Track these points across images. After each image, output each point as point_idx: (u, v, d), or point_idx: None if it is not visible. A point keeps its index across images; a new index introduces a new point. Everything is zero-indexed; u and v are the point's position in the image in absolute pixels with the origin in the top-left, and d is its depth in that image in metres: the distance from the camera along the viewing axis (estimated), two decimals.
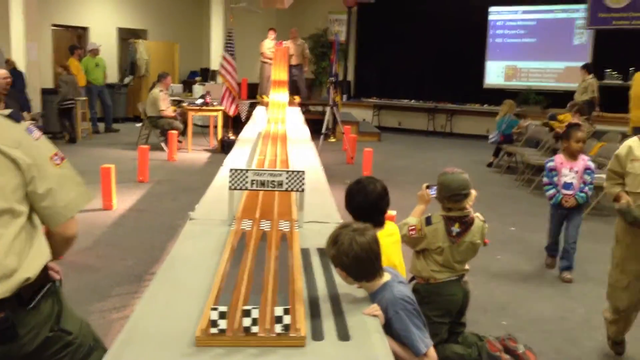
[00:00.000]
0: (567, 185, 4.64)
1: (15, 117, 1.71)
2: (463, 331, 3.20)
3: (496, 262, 4.95)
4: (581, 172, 4.64)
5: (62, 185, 1.73)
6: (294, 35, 12.72)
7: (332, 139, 11.66)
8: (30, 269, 1.66)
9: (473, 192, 3.06)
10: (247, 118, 11.34)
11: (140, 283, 4.20)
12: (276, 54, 11.44)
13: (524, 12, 13.71)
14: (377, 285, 2.01)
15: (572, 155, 4.68)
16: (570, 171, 4.65)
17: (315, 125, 10.44)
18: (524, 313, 4.00)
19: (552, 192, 4.69)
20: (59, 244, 1.80)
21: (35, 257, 1.69)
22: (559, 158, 4.76)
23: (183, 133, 10.46)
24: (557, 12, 13.32)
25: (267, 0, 11.64)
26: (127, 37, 14.32)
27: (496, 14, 13.93)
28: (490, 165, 9.87)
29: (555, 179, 4.68)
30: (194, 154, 10.15)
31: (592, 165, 4.72)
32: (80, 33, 13.67)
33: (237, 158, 5.05)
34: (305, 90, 13.42)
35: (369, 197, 2.59)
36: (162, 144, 10.04)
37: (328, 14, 15.33)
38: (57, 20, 12.80)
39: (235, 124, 11.27)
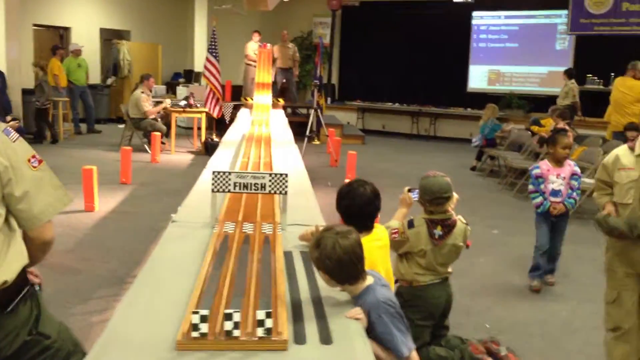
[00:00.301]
0: (555, 193, 4.51)
1: (20, 130, 1.70)
2: (446, 334, 3.22)
3: (479, 265, 4.97)
4: (568, 177, 4.55)
5: (39, 188, 1.71)
6: (284, 39, 12.70)
7: (316, 142, 11.65)
8: (7, 272, 1.64)
9: (455, 196, 3.07)
10: (231, 120, 11.31)
11: (122, 286, 4.16)
12: (260, 56, 11.42)
13: (507, 17, 13.83)
14: (360, 288, 2.00)
15: (558, 161, 4.58)
16: (557, 177, 4.54)
17: (300, 128, 10.44)
18: (507, 316, 4.03)
19: (539, 200, 4.53)
20: (35, 248, 1.78)
21: (13, 260, 1.67)
22: (545, 164, 4.63)
23: (166, 135, 10.40)
24: (540, 18, 13.46)
25: (250, 1, 11.59)
26: (110, 37, 14.19)
27: (479, 18, 14.04)
28: (473, 169, 9.94)
29: (542, 186, 4.54)
30: (178, 155, 10.09)
31: (578, 170, 4.66)
32: (62, 33, 13.53)
33: (220, 160, 5.03)
34: (295, 93, 13.43)
35: (358, 200, 2.56)
36: (145, 146, 9.97)
37: (313, 17, 15.35)
38: (39, 20, 12.65)
39: (219, 126, 11.23)
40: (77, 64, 11.74)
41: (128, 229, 5.67)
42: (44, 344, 1.82)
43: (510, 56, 13.81)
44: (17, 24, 10.58)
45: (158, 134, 9.59)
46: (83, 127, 12.02)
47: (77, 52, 11.83)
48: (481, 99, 13.15)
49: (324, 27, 15.18)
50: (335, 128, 11.74)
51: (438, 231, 2.99)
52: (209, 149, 10.25)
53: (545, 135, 4.82)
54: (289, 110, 12.51)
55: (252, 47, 12.23)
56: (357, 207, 2.60)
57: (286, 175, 2.84)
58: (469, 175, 9.52)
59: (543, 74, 13.46)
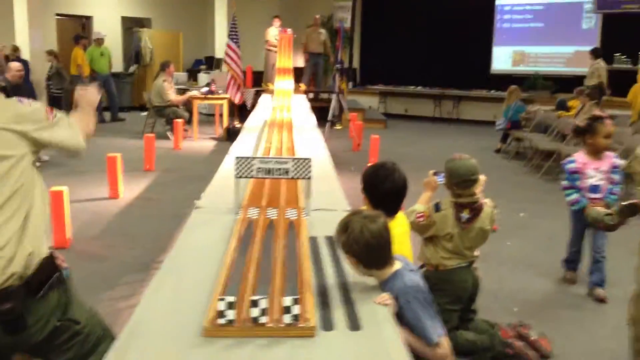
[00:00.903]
0: (594, 188, 3.92)
1: (5, 93, 1.79)
2: (474, 318, 3.18)
3: (506, 248, 4.90)
4: (608, 171, 3.94)
5: (64, 129, 1.87)
6: (317, 23, 12.58)
7: (339, 127, 11.59)
8: (31, 244, 1.68)
9: (482, 178, 3.01)
10: (253, 106, 11.30)
11: (148, 272, 4.17)
12: (281, 42, 11.36)
13: None
14: (387, 273, 1.97)
15: (597, 153, 3.97)
16: (596, 172, 3.94)
17: (322, 113, 10.38)
18: (535, 299, 3.96)
19: (575, 197, 3.93)
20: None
21: (34, 233, 1.71)
22: (581, 157, 4.02)
23: (189, 122, 10.43)
24: None
25: None
26: (131, 25, 14.25)
27: None
28: (498, 151, 9.79)
29: (578, 182, 3.94)
30: (200, 142, 10.12)
31: (619, 162, 3.98)
32: (84, 22, 13.61)
33: (243, 146, 5.02)
34: (321, 78, 13.36)
35: (388, 184, 2.51)
36: (168, 133, 10.01)
37: (333, 1, 15.19)
38: (61, 9, 12.74)
39: (241, 112, 11.23)
40: (100, 52, 11.80)
41: (152, 216, 5.70)
42: (74, 329, 1.83)
43: (536, 36, 13.53)
44: (40, 14, 10.67)
45: (180, 121, 9.62)
46: (106, 115, 12.11)
47: (100, 41, 11.88)
48: (505, 81, 12.93)
49: (344, 10, 15.01)
50: (357, 112, 11.65)
51: (465, 214, 2.94)
52: (231, 135, 10.24)
53: (581, 124, 4.12)
54: (311, 95, 12.45)
55: (273, 32, 12.16)
56: (386, 190, 2.55)
57: (309, 160, 2.81)
58: (494, 157, 9.39)
59: (569, 53, 13.17)
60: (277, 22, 12.16)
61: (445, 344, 1.91)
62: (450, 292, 2.98)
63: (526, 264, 4.63)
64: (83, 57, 11.30)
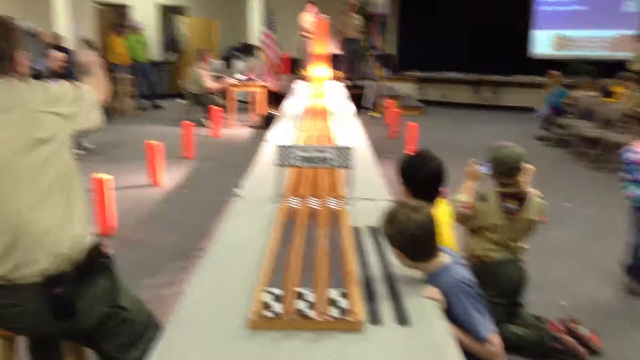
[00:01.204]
0: None
1: (36, 78, 1.82)
2: (521, 312, 3.09)
3: (550, 238, 4.76)
4: None
5: (88, 95, 1.91)
6: (352, 8, 12.44)
7: (374, 114, 11.47)
8: (78, 226, 1.71)
9: (530, 167, 2.92)
10: (288, 93, 11.28)
11: (188, 259, 4.20)
12: (316, 29, 11.27)
13: None
14: (434, 266, 1.91)
15: None
16: None
17: (358, 100, 10.29)
18: (584, 292, 3.84)
19: (634, 191, 3.62)
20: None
21: (79, 215, 1.74)
22: None
23: (225, 109, 10.46)
24: None
25: None
26: (168, 14, 14.33)
27: None
28: (540, 138, 9.55)
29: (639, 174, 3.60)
30: (237, 129, 10.15)
31: None
32: (122, 11, 13.74)
33: (280, 134, 4.99)
34: (358, 64, 13.23)
35: (427, 171, 2.44)
36: (205, 120, 10.06)
37: None
38: None
39: (277, 99, 11.21)
40: (138, 40, 11.90)
41: (192, 203, 5.73)
42: (122, 316, 1.84)
43: (577, 20, 13.12)
44: (79, 2, 10.80)
45: (218, 108, 9.66)
46: (146, 103, 12.24)
47: (138, 29, 11.97)
48: (546, 66, 12.60)
49: None
50: (393, 99, 11.52)
51: (511, 205, 2.85)
52: (267, 122, 10.25)
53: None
54: (348, 81, 12.35)
55: (307, 19, 12.06)
56: (424, 177, 2.49)
57: (350, 148, 2.76)
58: (536, 145, 9.16)
59: (610, 37, 12.74)
60: (311, 8, 12.05)
61: (496, 340, 1.85)
62: (496, 285, 2.90)
63: (572, 255, 4.50)
64: (122, 45, 11.41)
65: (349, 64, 12.81)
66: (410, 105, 12.56)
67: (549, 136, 9.60)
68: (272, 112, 10.43)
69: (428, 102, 13.70)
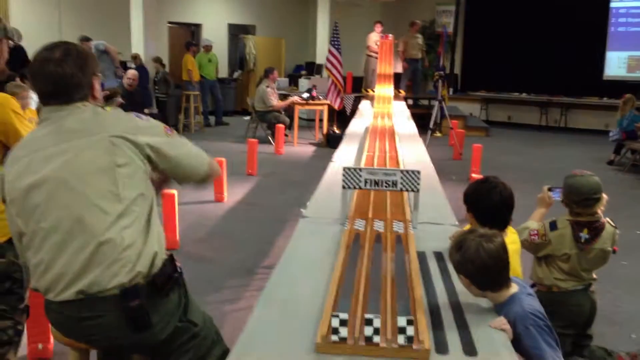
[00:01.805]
0: None
1: (124, 109, 1.88)
2: (589, 344, 2.98)
3: (621, 268, 4.58)
4: None
5: (182, 146, 1.92)
6: (416, 28, 12.50)
7: (438, 134, 11.37)
8: (155, 244, 1.76)
9: (604, 196, 2.83)
10: (352, 112, 11.33)
11: (252, 276, 4.28)
12: (382, 48, 11.32)
13: None
14: (503, 296, 1.88)
15: None
16: None
17: (421, 120, 10.23)
18: None
19: None
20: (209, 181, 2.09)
21: (156, 235, 1.80)
22: None
23: (289, 127, 10.61)
24: None
25: None
26: (237, 32, 14.73)
27: (618, 1, 12.97)
28: (610, 163, 9.22)
29: None
30: (300, 147, 10.27)
31: None
32: (194, 29, 14.22)
33: (345, 153, 5.01)
34: (420, 84, 13.24)
35: (495, 199, 2.40)
36: (269, 137, 10.23)
37: (435, 5, 14.97)
38: (173, 17, 13.39)
39: (340, 117, 11.29)
40: (208, 59, 12.25)
41: (255, 220, 5.83)
42: (193, 331, 1.88)
43: None
44: (155, 22, 11.27)
45: (282, 125, 9.81)
46: (211, 119, 12.58)
47: (208, 48, 12.34)
48: (619, 88, 12.17)
49: (447, 15, 14.75)
50: (457, 120, 11.39)
51: (585, 234, 2.77)
52: (331, 140, 10.34)
53: None
54: (410, 101, 12.32)
55: (374, 38, 12.13)
56: (493, 203, 2.45)
57: (418, 172, 2.75)
58: (606, 170, 8.84)
59: None
60: (378, 28, 12.12)
61: None
62: (564, 316, 2.81)
63: None
64: (193, 63, 11.78)
65: (411, 84, 12.79)
66: (474, 126, 12.39)
67: (620, 161, 9.25)
68: (335, 131, 10.52)
69: (493, 123, 13.48)
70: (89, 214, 1.68)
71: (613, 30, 13.12)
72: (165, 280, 1.77)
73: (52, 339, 3.18)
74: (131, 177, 1.74)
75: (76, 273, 1.68)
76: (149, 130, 1.83)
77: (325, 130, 10.76)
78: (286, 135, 10.31)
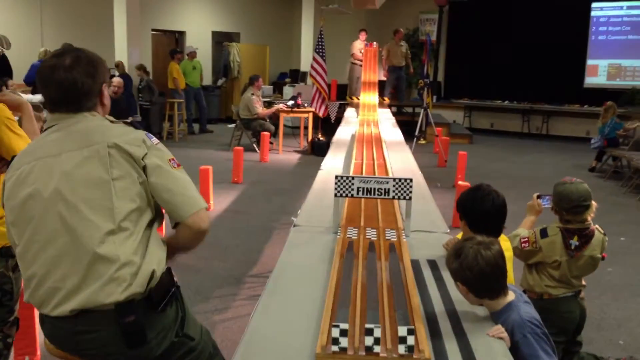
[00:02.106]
0: None
1: (135, 126, 1.81)
2: (579, 351, 3.00)
3: (607, 275, 4.64)
4: None
5: (182, 182, 1.78)
6: (399, 37, 12.59)
7: (422, 142, 11.43)
8: (152, 262, 1.70)
9: (594, 204, 2.86)
10: (337, 119, 11.34)
11: (240, 285, 4.25)
12: (366, 55, 11.36)
13: (629, 7, 12.89)
14: (500, 304, 1.89)
15: None
16: None
17: (405, 127, 10.28)
18: None
19: None
20: (191, 236, 1.81)
21: (155, 252, 1.73)
22: None
23: (274, 134, 10.59)
24: None
25: (357, 1, 11.55)
26: (221, 40, 14.70)
27: (599, 10, 13.18)
28: (592, 170, 9.33)
29: None
30: (285, 155, 10.26)
31: None
32: (178, 37, 14.17)
33: (332, 161, 5.02)
34: (404, 92, 13.32)
35: (488, 206, 2.41)
36: (254, 145, 10.21)
37: (419, 14, 15.08)
38: (156, 25, 13.33)
39: (325, 125, 11.30)
40: (192, 66, 12.21)
41: (242, 228, 5.79)
42: (189, 346, 1.85)
43: (633, 49, 12.85)
44: (138, 30, 11.20)
45: (267, 133, 9.79)
46: (195, 127, 12.52)
47: (193, 55, 12.30)
48: (599, 95, 12.38)
49: (431, 23, 14.87)
50: (441, 127, 11.46)
51: (574, 241, 2.79)
52: (316, 148, 10.35)
53: None
54: (394, 108, 12.38)
55: (358, 46, 12.18)
56: (486, 211, 2.46)
57: (411, 180, 2.76)
58: (588, 177, 8.95)
59: None
60: (363, 36, 12.18)
61: None
62: (555, 323, 2.82)
63: (630, 292, 4.36)
64: (179, 71, 11.72)
65: (393, 91, 12.86)
66: (458, 133, 12.48)
67: (602, 168, 9.38)
68: (320, 139, 10.53)
69: (476, 130, 13.60)
70: (83, 228, 1.64)
71: (594, 39, 13.33)
72: (162, 295, 1.73)
73: (39, 352, 3.13)
74: (126, 190, 1.68)
75: (70, 290, 1.64)
76: (152, 150, 1.75)
77: (310, 137, 10.76)
78: (271, 143, 10.29)
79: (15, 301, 2.49)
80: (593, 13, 13.22)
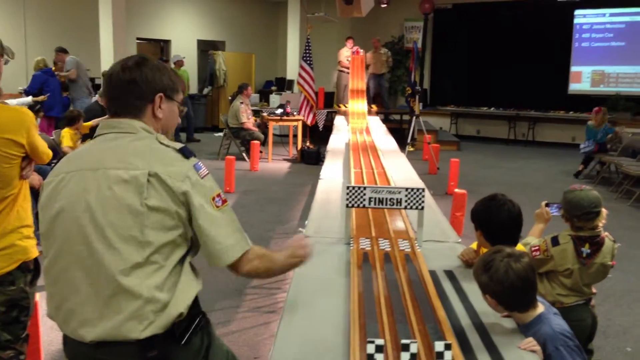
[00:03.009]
0: None
1: (186, 153, 1.65)
2: (591, 359, 2.99)
3: (608, 281, 4.60)
4: None
5: (220, 226, 1.64)
6: (376, 45, 12.63)
7: (411, 149, 11.45)
8: (181, 304, 1.59)
9: (604, 210, 2.86)
10: (325, 127, 11.33)
11: (242, 297, 4.19)
12: (353, 63, 11.38)
13: (612, 14, 13.07)
14: (530, 316, 1.86)
15: None
16: None
17: (393, 134, 10.28)
18: None
19: None
20: (241, 275, 1.75)
21: (185, 290, 1.61)
22: None
23: (263, 143, 10.54)
24: None
25: (344, 9, 11.56)
26: (206, 48, 14.63)
27: (582, 17, 13.35)
28: (577, 175, 9.36)
29: None
30: (275, 163, 10.20)
31: None
32: (163, 45, 14.08)
33: (331, 170, 4.99)
34: (386, 99, 13.34)
35: (504, 216, 2.39)
36: (244, 154, 10.14)
37: (404, 21, 15.16)
38: (142, 33, 13.23)
39: (313, 133, 11.28)
40: (179, 74, 12.10)
41: None
42: None
43: (616, 56, 13.03)
44: (123, 39, 11.09)
45: (257, 142, 9.73)
46: (182, 136, 12.41)
47: (180, 64, 12.20)
48: (584, 102, 12.52)
49: (416, 31, 14.95)
50: (430, 134, 11.49)
51: (586, 249, 2.78)
52: (305, 156, 10.32)
53: None
54: (382, 116, 12.40)
55: (345, 53, 12.21)
56: (503, 221, 2.43)
57: (423, 190, 2.74)
58: (575, 182, 9.00)
59: None
60: (350, 43, 12.20)
61: None
62: None
63: (633, 298, 4.38)
64: (182, 91, 11.59)
65: (375, 99, 12.88)
66: (446, 140, 12.53)
67: (589, 173, 9.45)
68: (309, 147, 10.50)
69: (463, 137, 13.66)
70: (109, 256, 1.54)
71: (577, 46, 13.49)
72: (186, 328, 1.63)
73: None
74: (162, 222, 1.56)
75: (88, 318, 1.55)
76: (196, 187, 1.60)
77: (299, 146, 10.72)
78: (260, 151, 10.24)
79: (30, 317, 2.42)
80: (576, 20, 13.38)
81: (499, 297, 1.84)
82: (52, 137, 6.86)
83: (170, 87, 1.72)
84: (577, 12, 13.30)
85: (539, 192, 7.37)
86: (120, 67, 1.68)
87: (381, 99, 13.12)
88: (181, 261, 1.63)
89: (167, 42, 13.97)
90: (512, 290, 1.80)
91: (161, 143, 1.66)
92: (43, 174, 5.21)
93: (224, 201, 1.67)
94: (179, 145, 1.68)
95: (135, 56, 1.72)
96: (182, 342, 1.61)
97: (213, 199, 1.64)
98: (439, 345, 1.57)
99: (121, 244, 1.54)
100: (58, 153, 5.77)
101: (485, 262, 1.86)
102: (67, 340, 1.65)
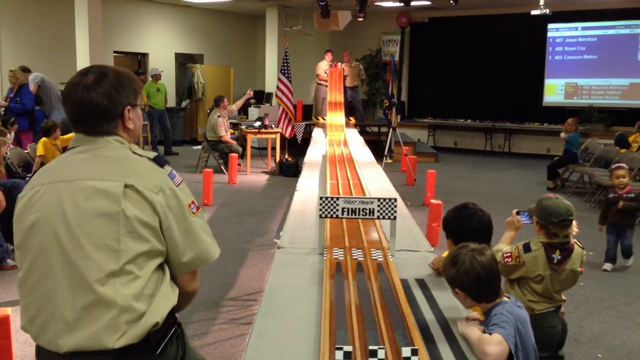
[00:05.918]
0: None
1: (160, 162, 1.66)
2: None
3: (580, 289, 4.72)
4: None
5: (194, 234, 1.67)
6: (348, 58, 12.74)
7: (389, 160, 11.54)
8: (157, 314, 1.59)
9: (574, 221, 2.92)
10: (303, 140, 11.38)
11: (218, 309, 4.18)
12: (331, 76, 11.48)
13: (584, 28, 13.34)
14: (494, 304, 1.96)
15: None
16: None
17: (370, 146, 10.36)
18: (619, 345, 3.78)
19: None
20: (180, 297, 1.70)
21: (163, 300, 1.62)
22: None
23: (241, 156, 10.53)
24: (620, 28, 12.91)
25: (321, 23, 11.68)
26: (184, 61, 14.61)
27: (555, 31, 13.60)
28: (552, 188, 9.42)
29: None
30: (253, 176, 10.21)
31: None
32: (140, 59, 14.04)
33: (307, 182, 5.01)
34: (361, 111, 13.41)
35: (474, 224, 2.45)
36: (222, 167, 10.13)
37: (381, 35, 15.31)
38: (119, 47, 13.18)
39: (291, 145, 11.31)
40: (157, 88, 12.09)
41: None
42: None
43: (589, 68, 13.30)
44: (100, 52, 11.04)
45: (235, 155, 9.73)
46: (160, 149, 12.36)
47: (158, 77, 12.18)
48: (558, 113, 12.73)
49: (393, 44, 15.11)
50: (407, 146, 11.60)
51: (557, 255, 2.83)
52: (284, 169, 10.33)
53: None
54: (359, 128, 12.47)
55: (323, 66, 12.29)
56: (473, 229, 2.49)
57: (395, 200, 2.77)
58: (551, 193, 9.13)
59: (624, 86, 12.88)
60: (329, 56, 12.29)
61: (501, 344, 1.80)
62: (538, 339, 2.79)
63: (604, 306, 4.45)
64: (142, 92, 11.58)
65: (351, 111, 12.94)
66: (424, 152, 12.64)
67: (564, 183, 9.59)
68: (288, 159, 10.52)
69: (440, 149, 13.79)
70: (85, 266, 1.54)
71: (551, 59, 13.73)
72: (161, 338, 1.63)
73: None
74: (138, 232, 1.57)
75: (63, 329, 1.55)
76: (170, 199, 1.62)
77: (277, 158, 10.74)
78: (239, 164, 10.23)
79: None
80: (549, 34, 13.63)
81: (466, 289, 1.94)
82: (26, 151, 6.80)
83: (134, 95, 1.71)
84: (550, 25, 13.54)
85: (514, 202, 7.47)
86: (81, 86, 1.64)
87: (356, 111, 13.21)
88: (160, 272, 1.64)
89: (144, 56, 13.93)
90: (478, 280, 1.91)
91: (135, 153, 1.67)
92: (18, 187, 5.17)
93: (198, 208, 1.71)
94: (152, 154, 1.69)
95: (92, 71, 1.68)
96: (157, 352, 1.62)
97: (189, 205, 1.67)
98: (406, 351, 1.60)
99: (97, 253, 1.54)
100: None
101: (452, 257, 1.98)
102: (40, 351, 1.64)
